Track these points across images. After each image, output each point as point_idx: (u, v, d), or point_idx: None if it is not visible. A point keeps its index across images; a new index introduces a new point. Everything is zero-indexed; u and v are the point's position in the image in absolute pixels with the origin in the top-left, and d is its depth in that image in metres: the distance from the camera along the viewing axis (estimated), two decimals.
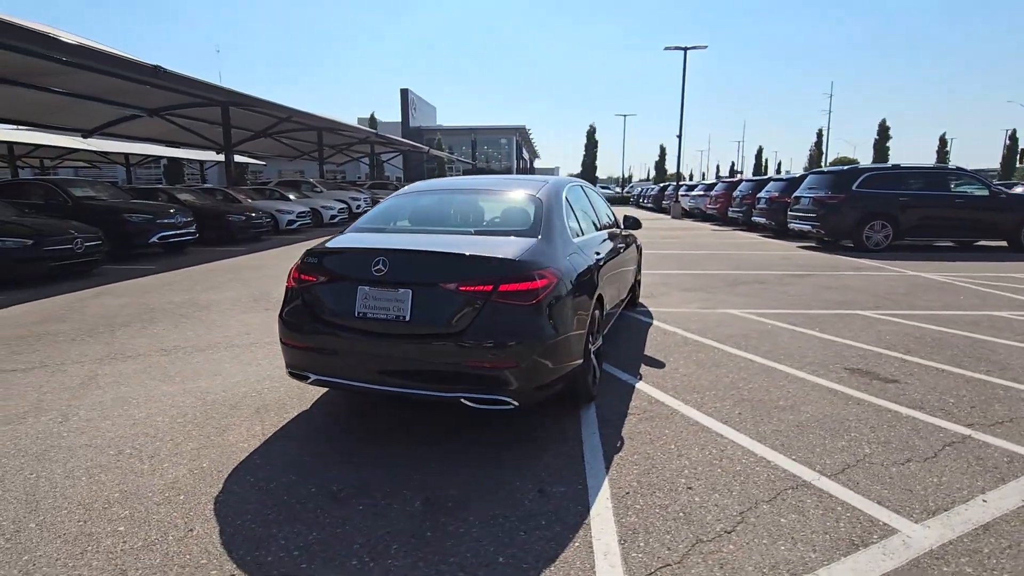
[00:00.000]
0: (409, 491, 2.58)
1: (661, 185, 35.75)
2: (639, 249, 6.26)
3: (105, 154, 30.35)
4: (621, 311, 5.62)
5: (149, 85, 12.13)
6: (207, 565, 2.08)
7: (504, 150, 60.37)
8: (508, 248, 2.96)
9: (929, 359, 4.49)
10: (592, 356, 3.56)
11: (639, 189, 44.06)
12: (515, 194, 3.82)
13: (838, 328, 5.46)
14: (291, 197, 18.36)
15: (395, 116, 52.81)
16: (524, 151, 67.90)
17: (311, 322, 3.03)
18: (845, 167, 12.79)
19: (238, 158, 36.85)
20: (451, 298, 2.78)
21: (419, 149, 35.67)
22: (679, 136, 27.79)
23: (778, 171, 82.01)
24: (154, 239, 10.83)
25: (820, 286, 7.82)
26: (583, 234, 3.92)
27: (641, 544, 2.18)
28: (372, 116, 44.54)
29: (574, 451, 2.96)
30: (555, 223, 3.43)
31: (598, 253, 3.84)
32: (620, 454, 2.93)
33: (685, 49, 26.16)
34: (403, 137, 50.73)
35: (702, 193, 23.63)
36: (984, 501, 2.47)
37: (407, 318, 2.79)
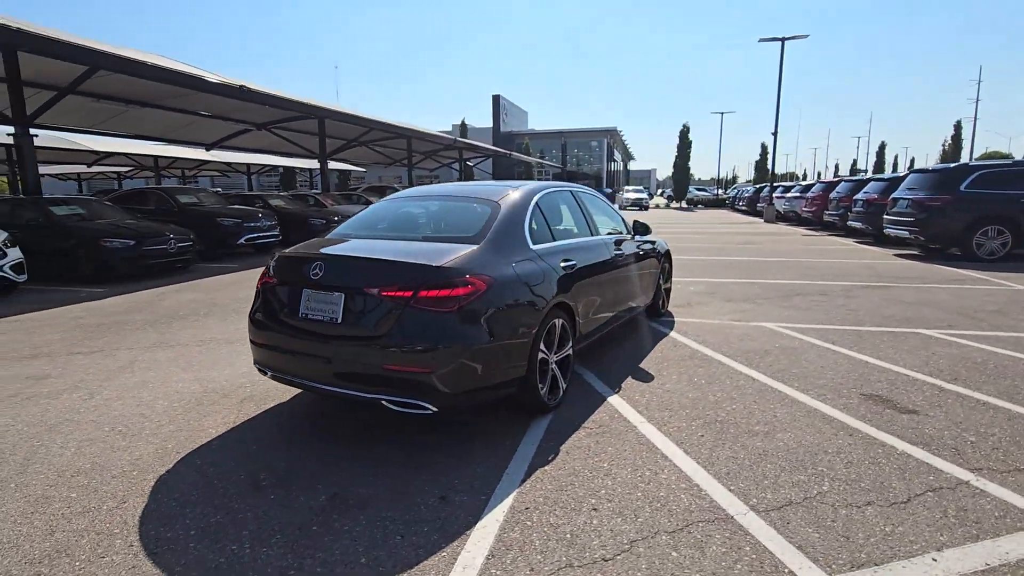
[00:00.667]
0: (324, 486, 2.70)
1: (757, 187, 33.46)
2: (663, 257, 5.97)
3: (229, 164, 34.07)
4: (639, 319, 5.40)
5: (239, 100, 13.46)
6: (117, 535, 2.33)
7: (595, 153, 59.73)
8: (438, 255, 2.99)
9: (975, 389, 3.85)
10: (553, 367, 3.48)
11: (735, 191, 41.54)
12: (475, 201, 3.82)
13: (882, 348, 4.84)
14: (372, 201, 19.51)
15: (488, 121, 54.18)
16: (616, 153, 66.67)
17: (269, 321, 3.26)
18: (952, 164, 11.20)
19: (341, 165, 39.90)
20: (376, 302, 2.87)
21: (499, 153, 36.30)
22: (774, 133, 25.86)
23: (910, 168, 73.29)
24: (242, 240, 12.05)
25: (891, 300, 6.95)
26: (556, 239, 3.83)
27: (507, 562, 2.12)
28: (463, 122, 46.06)
29: (503, 461, 2.92)
30: (507, 229, 3.40)
31: (569, 260, 3.73)
32: (545, 468, 2.85)
33: (783, 40, 24.29)
34: (494, 142, 52.00)
35: (798, 195, 21.80)
36: (934, 560, 2.10)
37: (339, 320, 2.93)
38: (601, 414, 3.52)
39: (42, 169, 32.49)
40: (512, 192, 3.78)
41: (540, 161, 49.03)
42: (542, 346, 3.32)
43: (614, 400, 3.75)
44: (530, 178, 48.30)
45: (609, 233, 4.80)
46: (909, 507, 2.46)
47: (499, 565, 2.11)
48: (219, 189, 33.19)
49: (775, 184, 26.34)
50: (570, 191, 4.50)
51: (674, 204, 47.48)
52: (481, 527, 2.35)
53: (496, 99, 52.99)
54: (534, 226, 3.67)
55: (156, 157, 29.39)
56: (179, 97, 15.05)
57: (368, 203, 19.27)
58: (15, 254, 7.91)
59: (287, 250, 3.47)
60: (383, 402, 2.84)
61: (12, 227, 8.57)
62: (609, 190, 46.36)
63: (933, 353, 4.67)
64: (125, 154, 27.84)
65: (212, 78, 11.64)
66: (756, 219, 26.08)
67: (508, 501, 2.55)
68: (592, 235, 4.42)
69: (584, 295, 3.92)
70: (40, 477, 2.83)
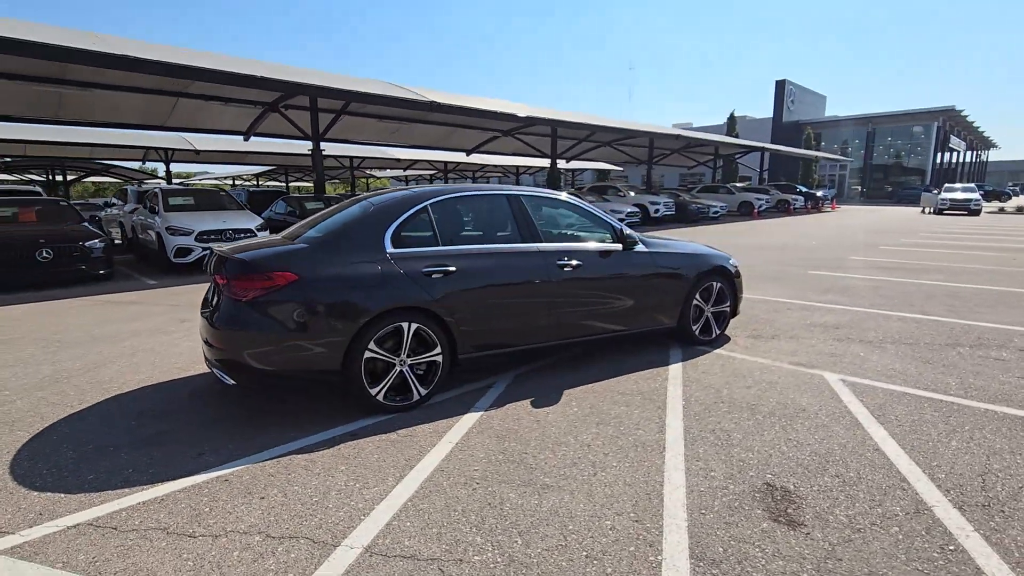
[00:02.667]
0: (195, 446, 3.51)
1: None
2: (708, 275, 5.02)
3: (482, 166, 39.17)
4: (642, 333, 4.76)
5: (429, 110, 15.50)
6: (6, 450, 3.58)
7: (918, 140, 47.44)
8: (254, 250, 3.49)
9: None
10: (404, 369, 3.58)
11: None
12: (365, 204, 4.03)
13: (930, 437, 3.22)
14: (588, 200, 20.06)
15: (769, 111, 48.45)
16: (954, 139, 51.53)
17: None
18: None
19: (599, 165, 41.54)
20: (216, 288, 3.54)
21: (754, 149, 32.16)
22: None
23: None
24: None
25: None
26: (443, 245, 3.84)
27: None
28: (731, 115, 42.20)
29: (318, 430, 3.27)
30: (357, 232, 3.65)
31: (444, 266, 3.70)
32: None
33: None
34: (773, 133, 46.27)
35: None
36: None
37: (212, 303, 3.69)
38: (401, 427, 3.46)
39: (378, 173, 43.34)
40: (377, 200, 3.97)
41: (823, 155, 41.68)
42: (373, 345, 3.47)
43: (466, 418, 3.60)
44: (807, 175, 41.61)
45: (568, 243, 4.39)
46: None
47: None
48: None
49: None
50: (505, 196, 4.30)
51: None
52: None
53: (780, 85, 46.91)
54: (408, 231, 3.77)
55: (445, 162, 35.93)
56: (430, 113, 18.35)
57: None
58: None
59: None
60: (213, 372, 3.51)
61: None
62: (934, 189, 36.14)
63: (990, 445, 2.90)
64: (428, 161, 35.02)
65: (423, 97, 13.86)
66: None
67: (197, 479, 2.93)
68: (524, 243, 4.16)
69: (474, 303, 3.83)
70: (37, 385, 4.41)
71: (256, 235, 9.98)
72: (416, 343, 3.65)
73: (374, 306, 3.46)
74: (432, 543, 2.29)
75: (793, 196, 30.16)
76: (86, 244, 8.71)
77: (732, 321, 5.86)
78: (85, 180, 37.35)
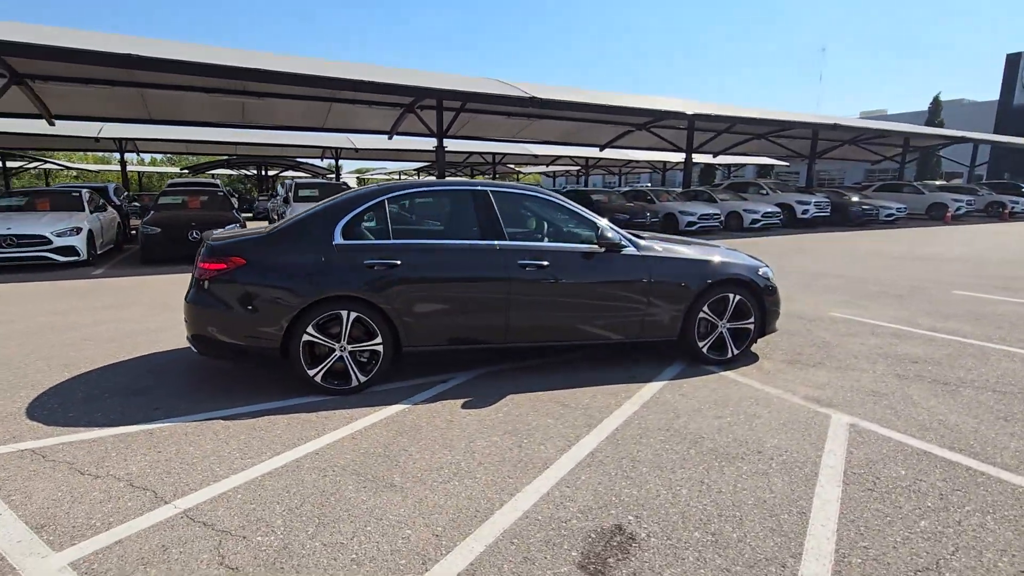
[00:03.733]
0: (159, 402, 4.14)
1: None
2: (720, 286, 4.40)
3: (627, 161, 37.77)
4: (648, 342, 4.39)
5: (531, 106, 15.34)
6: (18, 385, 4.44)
7: None
8: (228, 238, 3.89)
9: None
10: (344, 355, 3.78)
11: None
12: (336, 195, 4.25)
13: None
14: (718, 199, 18.43)
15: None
16: None
17: None
18: None
19: (760, 160, 37.74)
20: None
21: (959, 140, 26.14)
22: None
23: None
24: None
25: None
26: (394, 239, 3.94)
27: None
28: (935, 99, 34.91)
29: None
30: (310, 223, 3.88)
31: (389, 260, 3.77)
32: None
33: None
34: (998, 120, 37.53)
35: None
36: None
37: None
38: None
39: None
40: (358, 192, 4.13)
41: None
42: (312, 330, 3.70)
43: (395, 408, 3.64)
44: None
45: (536, 243, 4.20)
46: None
47: None
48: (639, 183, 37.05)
49: None
50: (470, 192, 4.19)
51: None
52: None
53: (1012, 60, 37.73)
54: (363, 224, 3.92)
55: (586, 158, 35.72)
56: (553, 111, 18.42)
57: (711, 199, 18.39)
58: None
59: None
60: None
61: None
62: None
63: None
64: (569, 156, 35.27)
65: (525, 93, 13.92)
66: None
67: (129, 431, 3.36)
68: (484, 240, 4.04)
69: (420, 297, 3.86)
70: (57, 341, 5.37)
71: None
72: (357, 331, 3.80)
73: (311, 293, 3.69)
74: (236, 517, 2.42)
75: (1013, 198, 24.26)
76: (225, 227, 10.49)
77: (779, 341, 5.07)
78: (283, 175, 44.44)
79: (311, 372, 3.76)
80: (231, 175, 45.68)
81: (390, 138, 20.34)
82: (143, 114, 16.59)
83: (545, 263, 4.06)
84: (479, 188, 4.26)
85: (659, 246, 4.46)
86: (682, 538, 2.28)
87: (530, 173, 49.70)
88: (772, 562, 2.13)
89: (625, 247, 4.27)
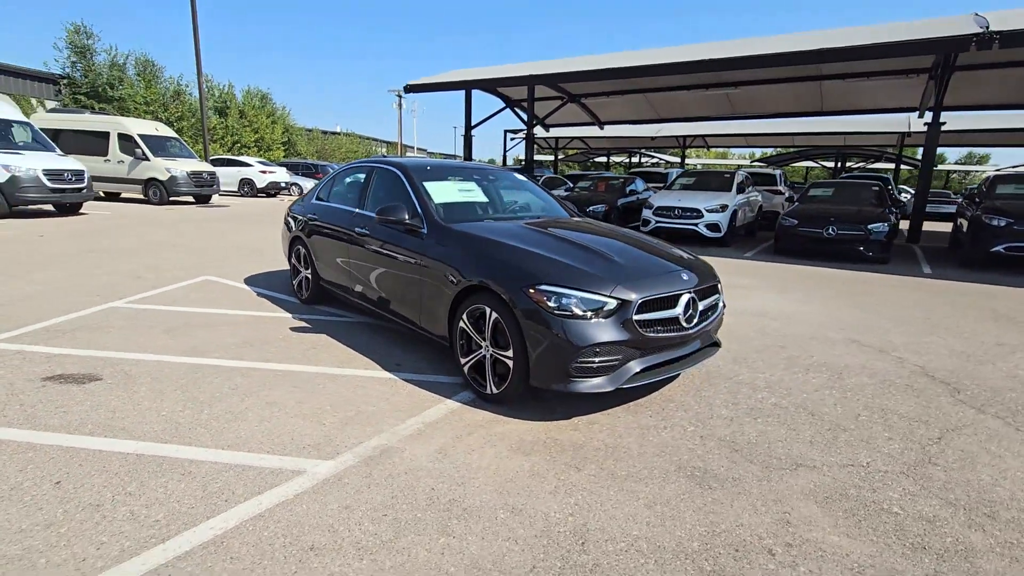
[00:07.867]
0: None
1: None
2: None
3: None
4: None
5: None
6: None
7: None
8: None
9: None
10: (307, 276, 5.59)
11: None
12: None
13: None
14: None
15: None
16: None
17: None
18: None
19: None
20: None
21: None
22: None
23: None
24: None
25: None
26: (330, 202, 5.38)
27: None
28: None
29: None
30: (315, 188, 5.77)
31: (313, 217, 5.39)
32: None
33: None
34: None
35: None
36: None
37: None
38: None
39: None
40: (338, 168, 6.07)
41: None
42: (294, 258, 5.78)
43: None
44: None
45: (367, 211, 4.80)
46: None
47: None
48: None
49: None
50: (367, 170, 5.04)
51: None
52: None
53: None
54: (327, 190, 5.57)
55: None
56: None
57: None
58: None
59: None
60: None
61: None
62: None
63: None
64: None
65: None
66: None
67: None
68: (359, 208, 4.94)
69: (321, 246, 5.24)
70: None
71: None
72: (302, 264, 5.65)
73: (294, 229, 5.74)
74: None
75: None
76: (869, 227, 9.68)
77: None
78: (857, 165, 38.33)
79: (301, 293, 5.83)
80: (809, 167, 43.53)
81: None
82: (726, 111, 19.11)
83: (363, 230, 4.64)
84: (371, 166, 5.16)
85: (470, 229, 3.96)
86: None
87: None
88: None
89: (421, 227, 4.02)
